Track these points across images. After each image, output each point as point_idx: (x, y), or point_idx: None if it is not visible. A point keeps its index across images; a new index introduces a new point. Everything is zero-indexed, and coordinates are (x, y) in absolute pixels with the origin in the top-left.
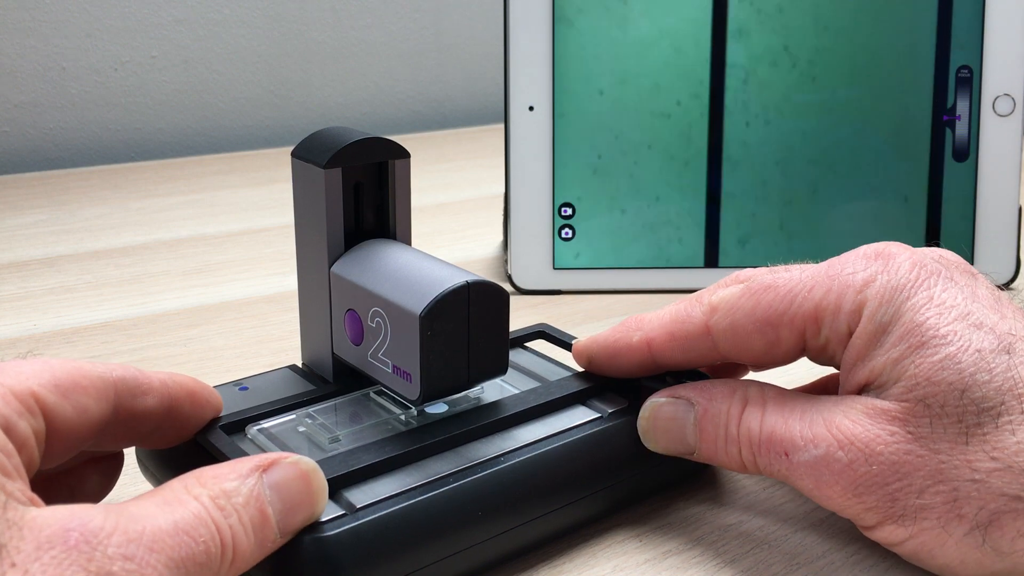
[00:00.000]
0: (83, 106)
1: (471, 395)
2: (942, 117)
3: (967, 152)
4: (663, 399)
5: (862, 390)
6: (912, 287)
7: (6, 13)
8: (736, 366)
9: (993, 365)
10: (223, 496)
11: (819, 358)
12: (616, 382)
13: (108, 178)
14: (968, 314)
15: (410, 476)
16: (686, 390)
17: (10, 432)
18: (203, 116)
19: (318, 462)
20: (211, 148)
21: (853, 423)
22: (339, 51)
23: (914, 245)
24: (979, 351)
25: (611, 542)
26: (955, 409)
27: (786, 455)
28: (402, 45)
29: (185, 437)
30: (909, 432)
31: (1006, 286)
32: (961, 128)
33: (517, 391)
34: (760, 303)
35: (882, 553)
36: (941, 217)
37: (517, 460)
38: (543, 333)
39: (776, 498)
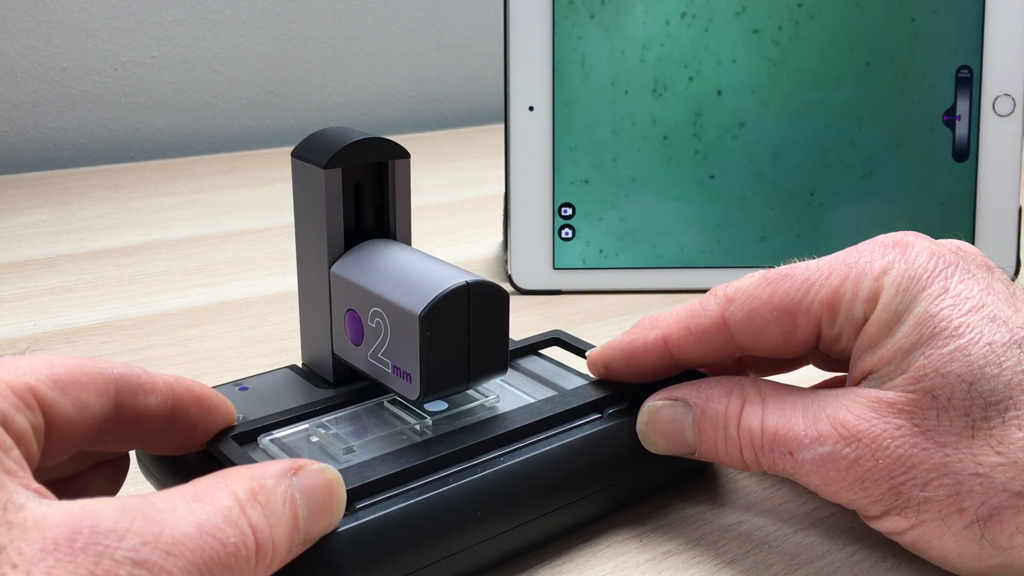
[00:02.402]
0: (83, 106)
1: (487, 404)
2: (942, 117)
3: (967, 152)
4: (660, 402)
5: (865, 378)
6: (929, 277)
7: (6, 13)
8: (737, 366)
9: (1003, 359)
10: (261, 492)
11: (832, 349)
12: (632, 390)
13: (108, 178)
14: (982, 306)
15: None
16: (682, 391)
17: (7, 426)
18: (203, 116)
19: None
20: (211, 148)
21: (858, 419)
22: (339, 51)
23: None
24: (990, 344)
25: (611, 542)
26: (962, 402)
27: (791, 454)
28: (402, 45)
29: (194, 445)
30: (915, 425)
31: None
32: (961, 128)
33: (533, 400)
34: (777, 291)
35: (882, 553)
36: (941, 217)
37: (517, 460)
38: (558, 340)
39: (776, 498)
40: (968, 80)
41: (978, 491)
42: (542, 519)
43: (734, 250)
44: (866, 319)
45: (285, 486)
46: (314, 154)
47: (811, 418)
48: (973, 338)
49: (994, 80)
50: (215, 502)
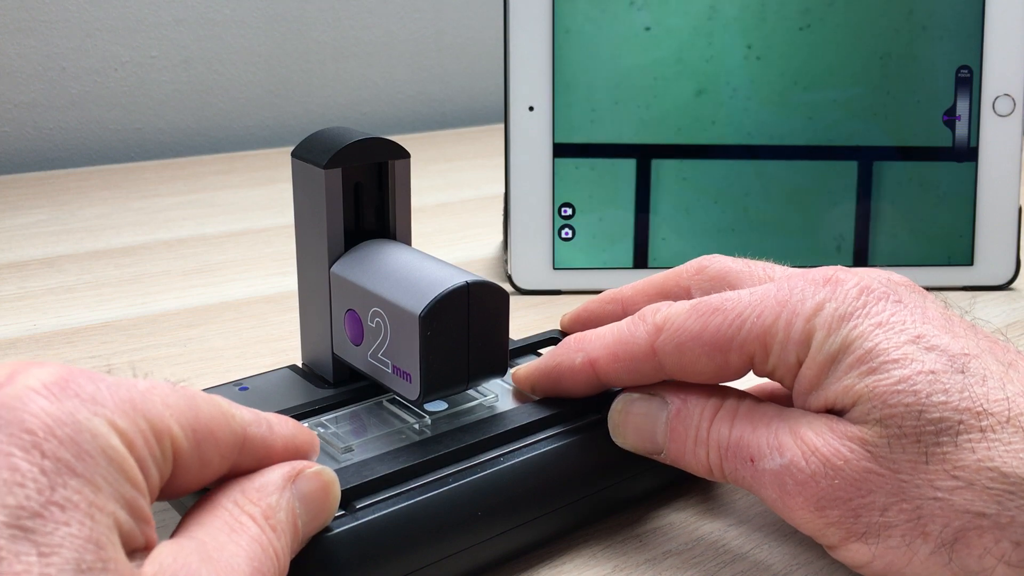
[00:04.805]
0: (83, 106)
1: (486, 403)
2: (942, 117)
3: (967, 152)
4: (637, 394)
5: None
6: (859, 314)
7: (6, 13)
8: None
9: (948, 385)
10: (271, 514)
11: (768, 378)
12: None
13: (108, 178)
14: (919, 337)
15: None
16: (661, 388)
17: (145, 474)
18: (203, 116)
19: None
20: (211, 148)
21: (817, 435)
22: (339, 51)
23: (916, 246)
24: (933, 372)
25: (611, 542)
26: (913, 429)
27: (751, 461)
28: (402, 45)
29: None
30: (868, 451)
31: (1006, 286)
32: (961, 128)
33: (533, 399)
34: (708, 326)
35: None
36: (941, 217)
37: (517, 460)
38: (556, 340)
39: None
40: (968, 80)
41: (939, 514)
42: (542, 519)
43: (736, 250)
44: (800, 362)
45: (287, 499)
46: (314, 154)
47: (774, 430)
48: (915, 368)
49: (994, 80)
50: (247, 532)
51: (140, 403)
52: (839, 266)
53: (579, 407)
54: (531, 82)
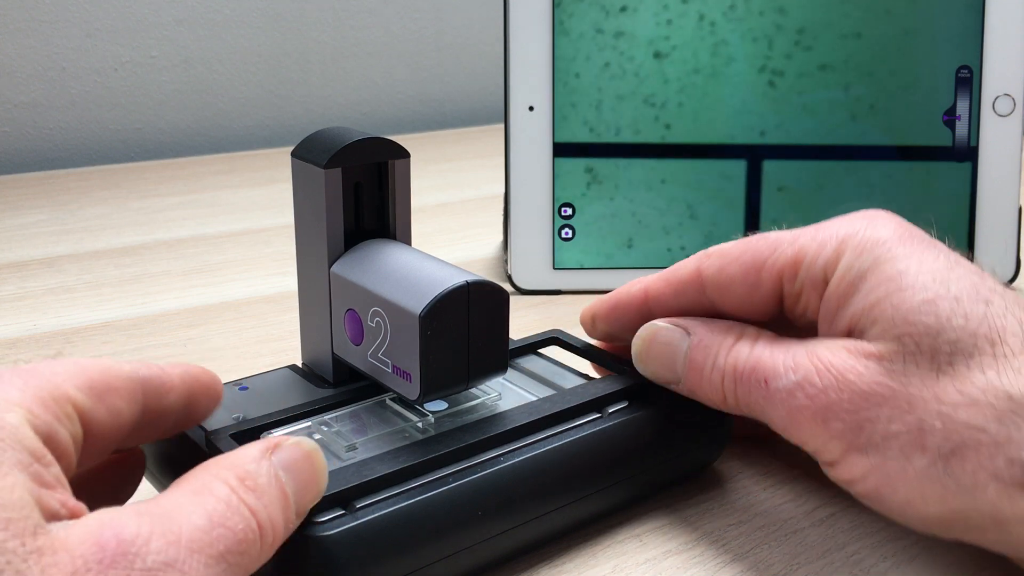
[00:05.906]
0: (83, 106)
1: (488, 402)
2: (942, 117)
3: (967, 152)
4: (662, 323)
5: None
6: (893, 242)
7: (6, 13)
8: None
9: (969, 312)
10: (248, 477)
11: (794, 311)
12: (633, 389)
13: (108, 178)
14: (950, 268)
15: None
16: (686, 320)
17: (52, 442)
18: (203, 116)
19: (332, 472)
20: (211, 148)
21: (832, 354)
22: (339, 51)
23: None
24: (957, 298)
25: (611, 542)
26: (929, 348)
27: (765, 382)
28: (402, 45)
29: (192, 425)
30: (882, 366)
31: (1006, 286)
32: (961, 128)
33: (534, 398)
34: (748, 248)
35: (882, 553)
36: (941, 217)
37: (517, 460)
38: (556, 340)
39: (776, 498)
40: (968, 80)
41: (940, 428)
42: (542, 518)
43: None
44: (827, 280)
45: (267, 467)
46: (314, 154)
47: (791, 353)
48: (941, 293)
49: (994, 80)
50: (214, 492)
51: (31, 379)
52: (881, 210)
53: (580, 407)
54: (531, 82)
